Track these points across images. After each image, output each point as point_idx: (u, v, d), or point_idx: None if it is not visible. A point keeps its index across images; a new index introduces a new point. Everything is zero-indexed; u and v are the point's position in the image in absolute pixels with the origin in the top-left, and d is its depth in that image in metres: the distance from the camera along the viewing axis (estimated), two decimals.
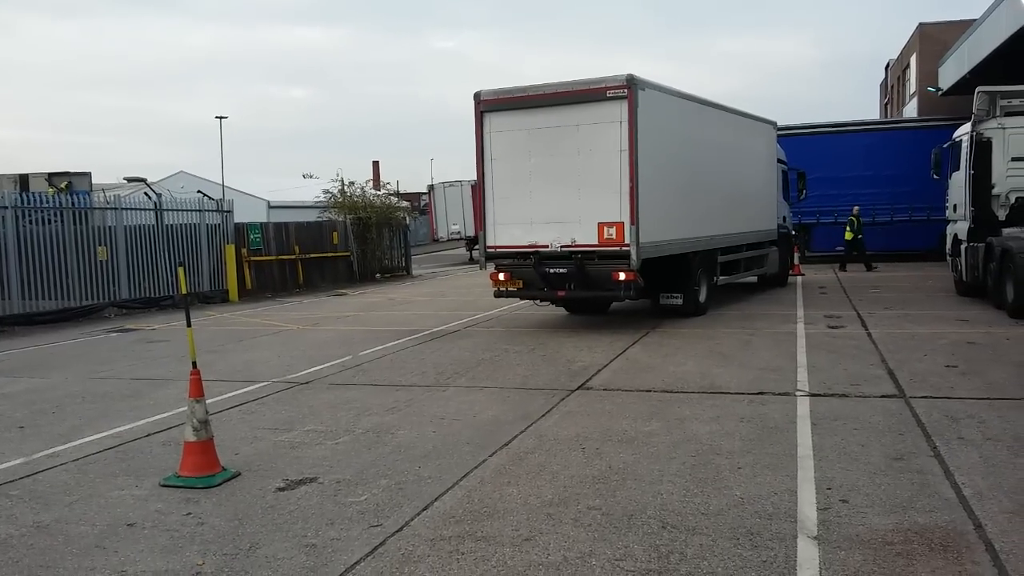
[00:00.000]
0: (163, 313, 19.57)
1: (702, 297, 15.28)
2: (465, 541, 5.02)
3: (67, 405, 9.46)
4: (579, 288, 13.67)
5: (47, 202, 18.79)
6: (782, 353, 11.11)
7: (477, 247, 14.62)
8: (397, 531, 5.22)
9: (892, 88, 50.18)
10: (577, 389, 9.29)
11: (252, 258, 23.59)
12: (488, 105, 13.92)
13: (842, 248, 27.53)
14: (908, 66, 41.23)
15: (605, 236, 13.05)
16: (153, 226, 20.78)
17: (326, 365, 11.38)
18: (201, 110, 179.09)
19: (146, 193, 22.59)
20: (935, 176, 18.99)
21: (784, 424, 7.42)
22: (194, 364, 6.60)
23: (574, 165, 13.22)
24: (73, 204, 19.16)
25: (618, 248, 12.95)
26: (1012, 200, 15.14)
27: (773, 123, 20.23)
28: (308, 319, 17.42)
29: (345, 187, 29.73)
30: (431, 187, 41.21)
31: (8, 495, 6.26)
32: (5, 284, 17.18)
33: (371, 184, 32.44)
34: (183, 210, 21.77)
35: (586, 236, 13.19)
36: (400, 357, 11.94)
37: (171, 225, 21.25)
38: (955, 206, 17.14)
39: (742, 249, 17.63)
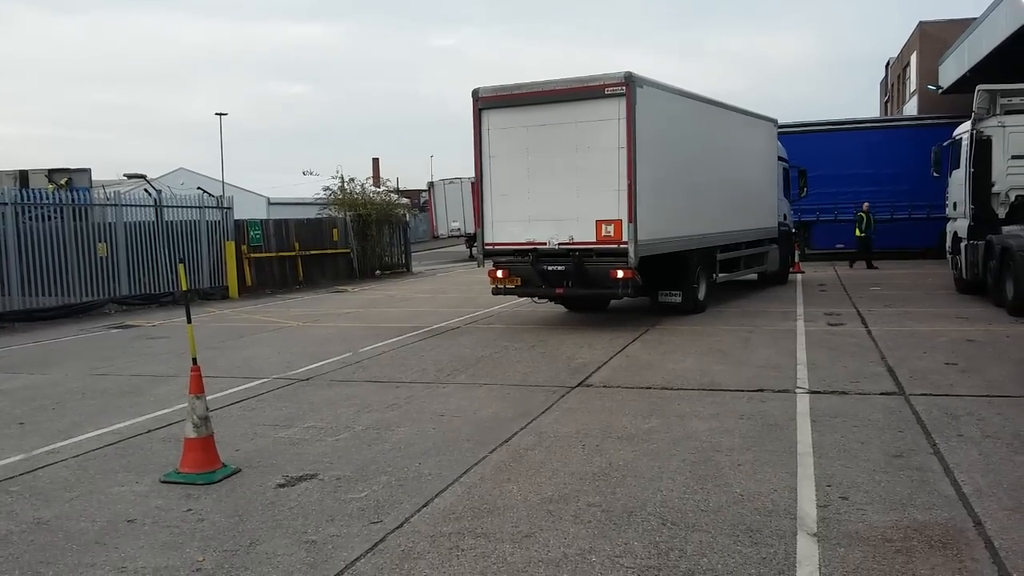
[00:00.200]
0: (163, 309, 19.57)
1: (701, 295, 15.27)
2: (465, 537, 5.02)
3: (67, 401, 9.47)
4: (577, 286, 13.67)
5: (47, 198, 18.78)
6: (782, 350, 11.12)
7: (476, 244, 14.63)
8: (397, 527, 5.22)
9: (892, 86, 50.16)
10: (577, 386, 9.29)
11: (252, 255, 23.59)
12: (486, 102, 13.90)
13: (842, 245, 27.57)
14: (908, 64, 41.21)
15: (603, 234, 13.04)
16: (153, 223, 20.77)
17: (326, 362, 11.39)
18: (201, 107, 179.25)
19: (146, 190, 22.56)
20: (935, 174, 19.00)
21: (784, 421, 7.42)
22: (194, 360, 6.60)
23: (572, 162, 13.21)
24: (73, 200, 19.17)
25: (616, 246, 12.95)
26: (1012, 198, 15.16)
27: (774, 121, 20.20)
28: (308, 316, 17.42)
29: (345, 184, 29.71)
30: (431, 184, 41.22)
31: (8, 491, 6.26)
32: (5, 280, 17.17)
33: (371, 181, 32.48)
34: (183, 207, 21.77)
35: (584, 234, 13.18)
36: (400, 354, 11.95)
37: (171, 222, 21.24)
38: (955, 204, 17.14)
39: (742, 247, 17.61)
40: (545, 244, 13.51)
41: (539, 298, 15.20)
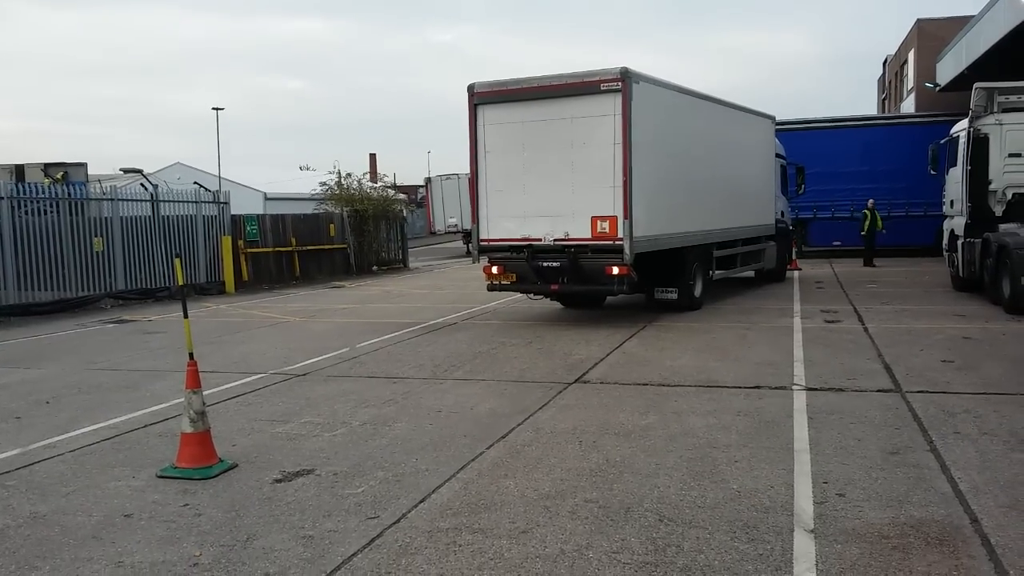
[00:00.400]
0: (159, 304, 19.54)
1: (697, 292, 15.27)
2: (462, 533, 5.02)
3: (63, 396, 9.45)
4: (572, 282, 13.65)
5: (43, 193, 18.73)
6: (779, 347, 11.13)
7: (472, 240, 14.61)
8: (394, 523, 5.22)
9: (890, 84, 50.16)
10: (574, 382, 9.29)
11: (249, 250, 23.55)
12: (482, 97, 13.87)
13: (839, 243, 27.62)
14: (906, 62, 41.21)
15: (598, 230, 13.02)
16: (149, 217, 20.73)
17: (323, 357, 11.38)
18: (198, 101, 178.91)
19: (142, 184, 22.49)
20: (932, 172, 19.02)
21: (781, 418, 7.43)
22: (191, 355, 6.59)
23: (568, 158, 13.18)
24: (69, 195, 19.11)
25: (611, 242, 12.93)
26: (1009, 196, 15.18)
27: (771, 117, 20.18)
28: (305, 311, 17.40)
29: (342, 179, 29.69)
30: (428, 180, 41.21)
31: (5, 486, 6.25)
32: (1, 275, 17.12)
33: (368, 176, 32.41)
34: (179, 201, 21.72)
35: (579, 230, 13.16)
36: (397, 349, 11.94)
37: (167, 216, 21.19)
38: (952, 202, 17.16)
39: (739, 244, 17.61)
40: (540, 240, 13.49)
41: (534, 295, 15.18)
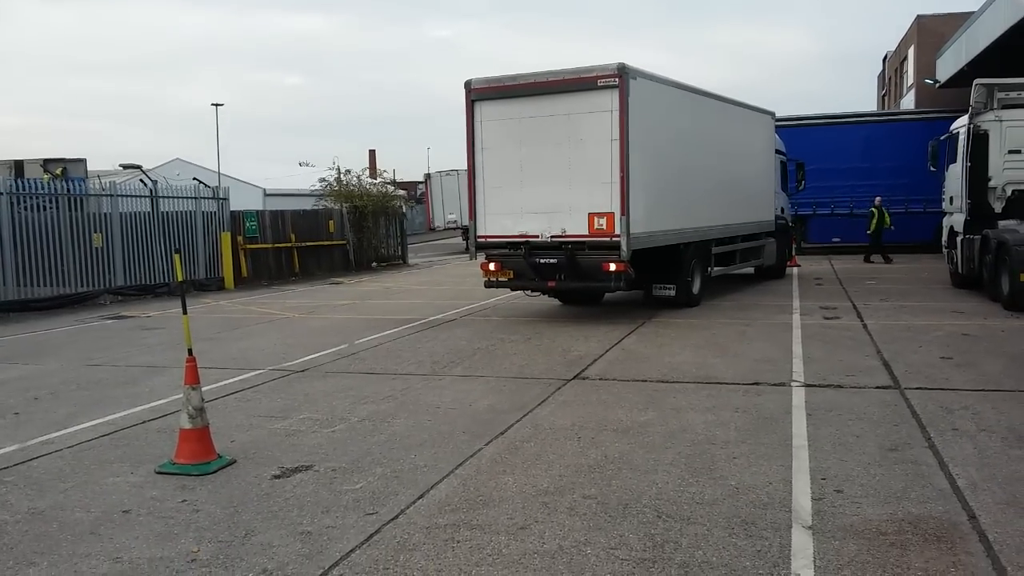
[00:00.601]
0: (158, 300, 19.53)
1: (695, 288, 15.25)
2: (460, 529, 5.02)
3: (62, 392, 9.45)
4: (569, 279, 13.63)
5: (42, 188, 18.72)
6: (777, 344, 11.13)
7: (469, 237, 14.58)
8: (392, 519, 5.22)
9: (890, 80, 50.12)
10: (573, 379, 9.29)
11: (248, 246, 23.54)
12: (479, 93, 13.83)
13: (839, 239, 27.64)
14: (906, 58, 41.18)
15: (595, 226, 12.99)
16: (149, 213, 20.72)
17: (322, 353, 11.38)
18: (197, 97, 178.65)
19: (142, 180, 22.49)
20: (932, 168, 18.99)
21: (779, 414, 7.43)
22: (190, 351, 6.58)
23: (565, 155, 13.15)
24: (68, 190, 19.10)
25: (608, 239, 12.89)
26: (1008, 193, 15.17)
27: (771, 114, 20.15)
28: (304, 307, 17.40)
29: (341, 175, 29.69)
30: (428, 176, 41.18)
31: (3, 481, 6.25)
32: (0, 270, 17.12)
33: (368, 173, 32.38)
34: (179, 197, 21.70)
35: (576, 226, 13.13)
36: (396, 346, 11.94)
37: (167, 212, 21.18)
38: (952, 198, 17.15)
39: (738, 240, 17.59)
40: (537, 237, 13.45)
41: (532, 291, 15.16)
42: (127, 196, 20.63)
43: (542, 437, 6.95)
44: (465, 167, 14.31)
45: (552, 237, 13.33)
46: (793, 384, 8.66)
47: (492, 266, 14.10)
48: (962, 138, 16.01)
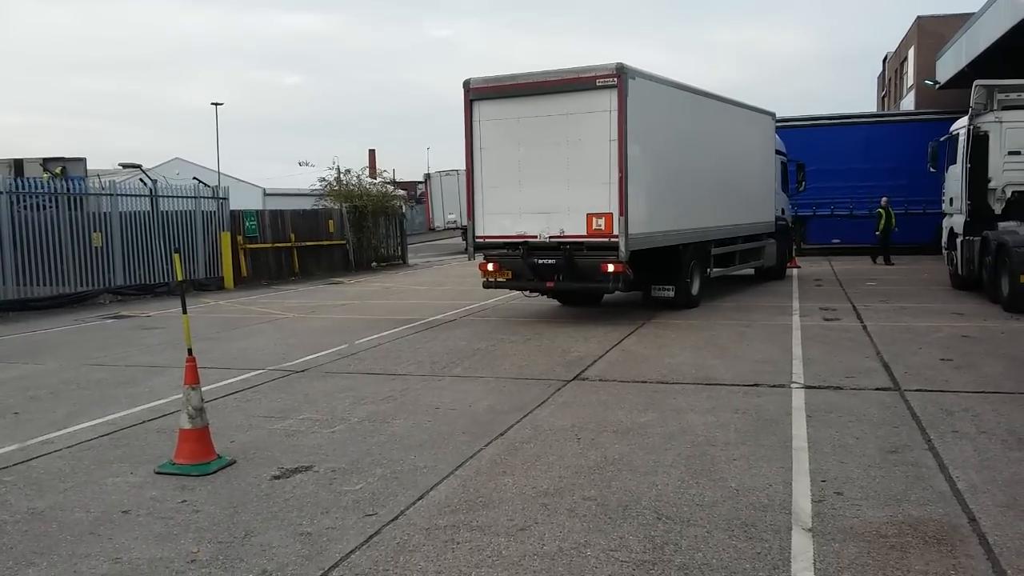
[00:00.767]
0: (158, 300, 19.53)
1: (695, 289, 15.24)
2: (460, 531, 5.02)
3: (62, 391, 9.44)
4: (568, 279, 13.61)
5: (42, 187, 18.72)
6: (777, 345, 11.13)
7: (467, 237, 14.57)
8: (392, 520, 5.22)
9: (890, 81, 50.13)
10: (573, 380, 9.29)
11: (248, 245, 23.54)
12: (477, 93, 13.82)
13: (838, 240, 27.66)
14: (906, 59, 41.19)
15: (594, 227, 12.97)
16: (148, 212, 20.71)
17: (322, 353, 11.37)
18: (197, 96, 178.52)
19: (141, 179, 22.50)
20: (932, 169, 19.00)
21: (779, 416, 7.43)
22: (189, 351, 6.58)
23: (563, 155, 13.14)
24: (68, 190, 19.10)
25: (607, 239, 12.88)
26: (1008, 194, 15.17)
27: (772, 114, 20.14)
28: (304, 307, 17.40)
29: (341, 175, 29.70)
30: (428, 176, 41.16)
31: (2, 481, 6.24)
32: (0, 270, 17.11)
33: (367, 172, 32.39)
34: (179, 196, 21.70)
35: (575, 227, 13.12)
36: (396, 346, 11.93)
37: (166, 212, 21.17)
38: (951, 200, 17.15)
39: (737, 241, 17.58)
40: (536, 237, 13.43)
41: (530, 292, 15.15)
42: (127, 195, 20.63)
43: (542, 438, 6.95)
44: (465, 167, 14.31)
45: (550, 237, 13.31)
46: (793, 386, 8.66)
47: (490, 266, 14.09)
48: (962, 139, 16.01)
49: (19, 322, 16.04)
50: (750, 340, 11.69)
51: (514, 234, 13.64)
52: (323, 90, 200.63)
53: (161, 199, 21.14)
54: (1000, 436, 6.66)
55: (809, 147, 25.90)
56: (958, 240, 16.30)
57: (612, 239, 12.82)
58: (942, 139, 18.31)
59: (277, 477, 6.13)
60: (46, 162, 22.53)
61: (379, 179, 32.29)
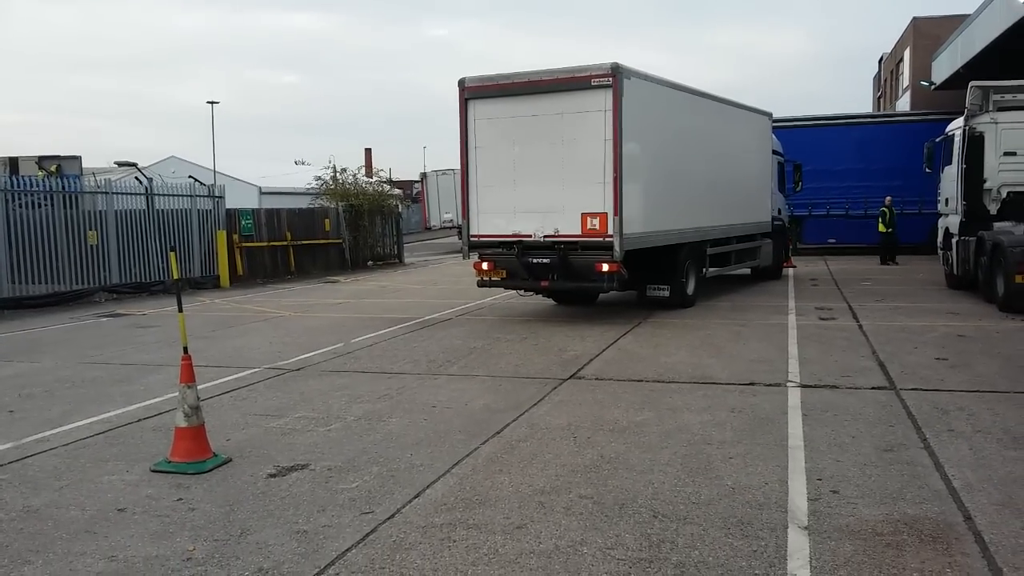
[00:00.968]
0: (154, 298, 19.49)
1: (690, 289, 15.24)
2: (457, 529, 5.02)
3: (57, 390, 9.42)
4: (562, 279, 13.60)
5: (37, 186, 18.66)
6: (773, 344, 11.14)
7: (462, 236, 14.57)
8: (388, 518, 5.21)
9: (885, 82, 50.22)
10: (569, 378, 9.29)
11: (243, 244, 23.50)
12: (472, 92, 13.79)
13: (834, 240, 27.72)
14: (901, 60, 41.28)
15: (588, 227, 12.96)
16: (144, 211, 20.67)
17: (318, 352, 11.36)
18: (193, 95, 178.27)
19: (137, 178, 22.43)
20: (927, 170, 19.05)
21: (775, 415, 7.44)
22: (185, 350, 6.57)
23: (558, 154, 13.12)
24: (63, 188, 19.05)
25: (601, 239, 12.86)
26: (1003, 195, 15.21)
27: (768, 114, 20.15)
28: (300, 306, 17.38)
29: (337, 174, 29.67)
30: (424, 175, 41.17)
31: None
32: None
33: (363, 171, 32.39)
34: (174, 195, 21.65)
35: (569, 226, 13.10)
36: (392, 345, 11.93)
37: (162, 210, 21.13)
38: (947, 200, 17.19)
39: (733, 241, 17.58)
40: (530, 236, 13.41)
41: (525, 291, 15.13)
42: (122, 194, 20.58)
43: (538, 437, 6.95)
44: (460, 166, 14.30)
45: (545, 237, 13.29)
46: (789, 384, 8.67)
47: (485, 265, 14.08)
48: (957, 140, 16.04)
49: (14, 320, 16.00)
50: (746, 339, 11.70)
51: (509, 233, 13.62)
52: (320, 89, 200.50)
53: (157, 197, 21.10)
54: (995, 435, 6.68)
55: (805, 147, 25.91)
56: (953, 240, 16.33)
57: (607, 239, 12.81)
58: (938, 140, 18.35)
59: (273, 475, 6.13)
60: (41, 160, 22.45)
61: (375, 178, 32.30)
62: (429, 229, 41.53)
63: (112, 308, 17.66)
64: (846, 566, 4.39)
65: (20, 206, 17.98)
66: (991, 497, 5.30)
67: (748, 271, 19.76)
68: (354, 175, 30.19)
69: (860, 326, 12.55)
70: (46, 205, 18.43)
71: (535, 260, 13.53)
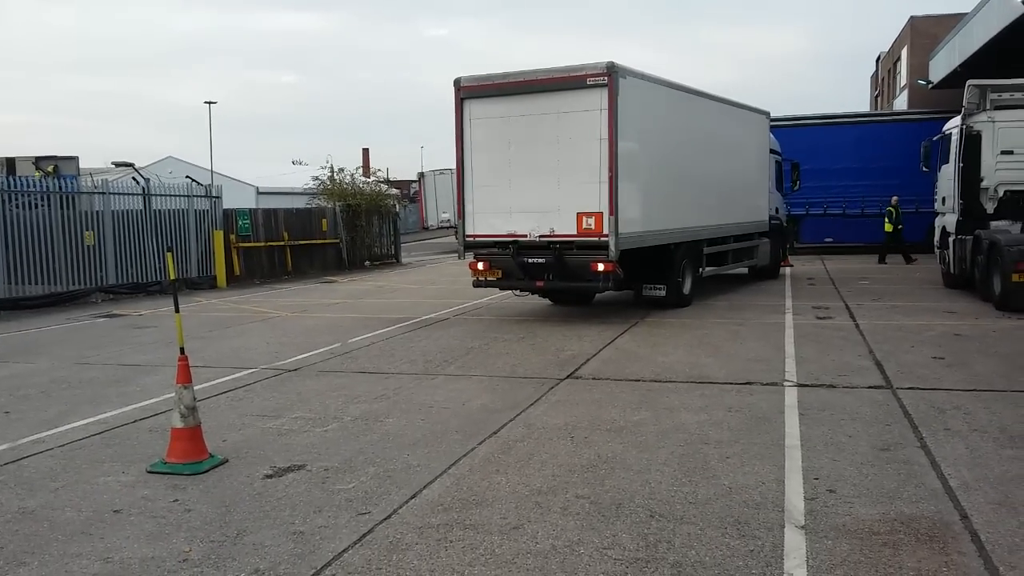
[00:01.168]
0: (150, 299, 19.46)
1: (686, 289, 15.23)
2: (453, 529, 5.01)
3: (53, 390, 9.40)
4: (558, 279, 13.58)
5: (34, 186, 18.63)
6: (770, 344, 11.14)
7: (457, 236, 14.56)
8: (385, 519, 5.21)
9: (883, 81, 50.28)
10: (566, 378, 9.29)
11: (241, 244, 23.48)
12: (468, 92, 13.77)
13: (831, 239, 27.74)
14: (899, 59, 41.32)
15: (584, 226, 12.94)
16: (141, 211, 20.65)
17: (315, 352, 11.35)
18: (190, 95, 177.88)
19: (134, 178, 22.41)
20: (924, 169, 19.05)
21: (772, 414, 7.44)
22: (182, 350, 6.56)
23: (553, 154, 13.10)
24: (60, 188, 19.03)
25: (597, 239, 12.84)
26: (1000, 193, 15.22)
27: (766, 113, 20.12)
28: (297, 306, 17.36)
29: (335, 174, 29.63)
30: (421, 175, 41.12)
31: None
32: None
33: (361, 171, 32.36)
34: (171, 195, 21.63)
35: (565, 226, 13.09)
36: (389, 345, 11.92)
37: (159, 210, 21.12)
38: (944, 199, 17.21)
39: (730, 240, 17.57)
40: (526, 236, 13.39)
41: (520, 291, 15.12)
42: (119, 194, 20.56)
43: (535, 436, 6.95)
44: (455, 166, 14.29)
45: (540, 237, 13.27)
46: (786, 384, 8.67)
47: (480, 265, 14.06)
48: (955, 139, 16.05)
49: (10, 321, 15.97)
50: (743, 339, 11.70)
51: (504, 233, 13.61)
52: (317, 89, 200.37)
53: (154, 198, 21.08)
54: (992, 434, 6.68)
55: (802, 146, 25.94)
56: (950, 239, 16.34)
57: (602, 238, 12.80)
58: (935, 139, 18.36)
59: (270, 476, 6.12)
60: (38, 161, 22.41)
61: (372, 178, 32.25)
62: (427, 229, 41.48)
63: (109, 308, 17.64)
64: (843, 565, 4.39)
65: (17, 207, 17.96)
66: (987, 496, 5.30)
67: (745, 270, 19.75)
68: (351, 175, 30.17)
69: (857, 325, 12.55)
70: (43, 205, 18.41)
71: (531, 260, 13.51)
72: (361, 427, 7.40)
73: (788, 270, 22.25)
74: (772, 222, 20.16)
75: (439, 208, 38.73)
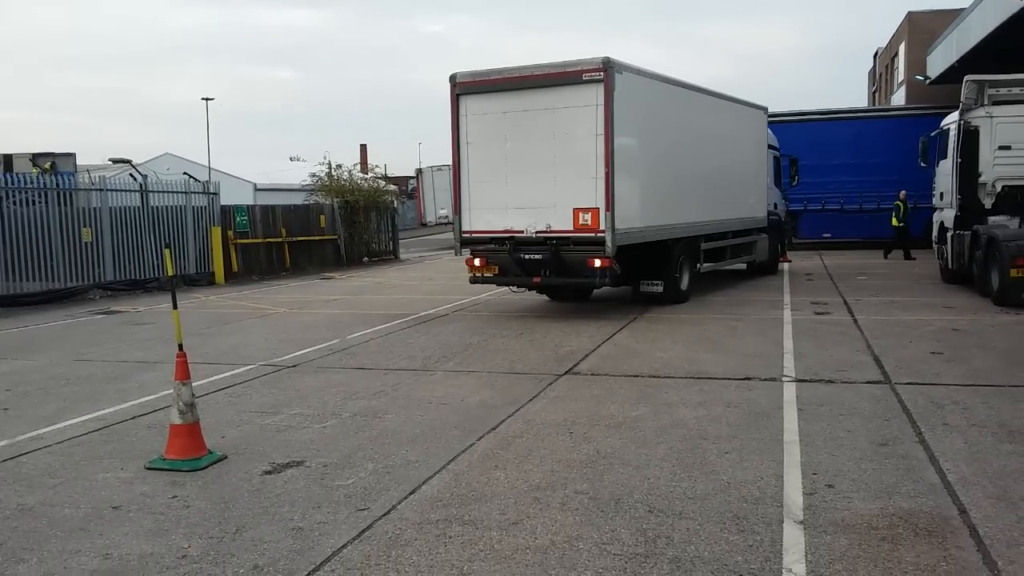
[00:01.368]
0: (148, 295, 19.45)
1: (683, 284, 15.22)
2: (452, 525, 5.01)
3: (51, 387, 9.39)
4: (554, 275, 13.56)
5: (31, 183, 18.61)
6: (768, 339, 11.14)
7: (454, 232, 14.55)
8: (384, 515, 5.21)
9: (880, 76, 50.26)
10: (565, 374, 9.29)
11: (238, 241, 23.46)
12: (464, 88, 13.75)
13: (829, 235, 27.76)
14: (896, 54, 41.29)
15: (580, 222, 12.93)
16: (138, 208, 20.64)
17: (313, 348, 11.34)
18: (187, 91, 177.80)
19: (131, 175, 22.37)
20: (922, 164, 19.06)
21: (770, 409, 7.44)
22: (180, 346, 6.55)
23: (550, 149, 13.08)
24: (58, 185, 19.00)
25: (593, 234, 12.83)
26: (998, 189, 15.23)
27: (764, 108, 20.08)
28: (295, 302, 17.35)
29: (332, 170, 29.61)
30: (419, 171, 41.18)
31: None
32: None
33: (359, 167, 32.34)
34: (169, 192, 21.63)
35: (561, 222, 13.07)
36: (388, 341, 11.91)
37: (157, 207, 21.11)
38: (942, 194, 17.21)
39: (728, 236, 17.55)
40: (522, 232, 13.37)
41: (517, 287, 15.10)
42: (117, 191, 20.56)
43: (534, 432, 6.95)
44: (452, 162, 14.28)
45: (537, 233, 13.26)
46: (784, 379, 8.67)
47: (477, 262, 14.05)
48: (952, 134, 16.05)
49: (8, 318, 15.95)
50: (741, 334, 11.70)
51: (501, 229, 13.59)
52: (314, 85, 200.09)
53: (151, 194, 21.07)
54: (990, 429, 6.68)
55: (801, 142, 25.93)
56: (948, 234, 16.35)
57: (599, 234, 12.78)
58: (933, 134, 18.36)
59: (268, 472, 6.11)
60: (35, 157, 22.35)
61: (370, 174, 32.24)
62: (425, 225, 41.54)
63: (107, 305, 17.62)
64: (841, 560, 4.39)
65: (14, 203, 17.94)
66: (986, 491, 5.30)
67: (744, 266, 19.75)
68: (349, 171, 30.17)
69: (855, 320, 12.56)
70: (40, 202, 18.39)
71: (527, 256, 13.49)
72: (360, 423, 7.40)
73: (786, 266, 22.26)
74: (770, 218, 20.15)
75: (437, 204, 38.78)
